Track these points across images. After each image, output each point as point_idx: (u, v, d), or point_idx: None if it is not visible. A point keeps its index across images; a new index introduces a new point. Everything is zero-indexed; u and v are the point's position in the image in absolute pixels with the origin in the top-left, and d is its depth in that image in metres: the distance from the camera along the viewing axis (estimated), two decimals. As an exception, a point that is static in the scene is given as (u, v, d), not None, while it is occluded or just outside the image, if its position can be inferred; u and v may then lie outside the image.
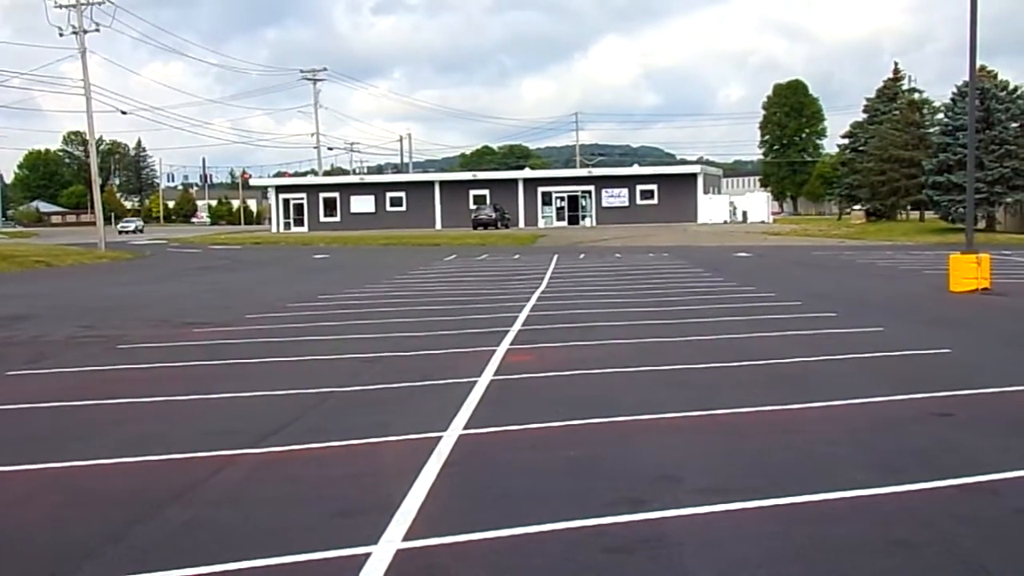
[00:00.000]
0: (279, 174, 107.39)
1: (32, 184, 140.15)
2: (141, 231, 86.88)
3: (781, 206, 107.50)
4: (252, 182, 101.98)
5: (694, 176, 74.22)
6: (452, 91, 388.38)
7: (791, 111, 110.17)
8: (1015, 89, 53.29)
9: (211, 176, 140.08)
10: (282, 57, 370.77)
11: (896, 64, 76.63)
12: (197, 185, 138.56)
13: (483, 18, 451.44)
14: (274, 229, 78.06)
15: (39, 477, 6.90)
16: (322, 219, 76.00)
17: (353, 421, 8.49)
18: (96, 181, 52.55)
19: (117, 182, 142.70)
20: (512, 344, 12.92)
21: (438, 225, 73.31)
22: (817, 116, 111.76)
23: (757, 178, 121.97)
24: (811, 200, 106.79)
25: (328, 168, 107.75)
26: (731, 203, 76.26)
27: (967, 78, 21.81)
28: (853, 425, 7.89)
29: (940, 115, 60.99)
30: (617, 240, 50.77)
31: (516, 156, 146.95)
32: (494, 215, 68.06)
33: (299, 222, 77.29)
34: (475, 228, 65.65)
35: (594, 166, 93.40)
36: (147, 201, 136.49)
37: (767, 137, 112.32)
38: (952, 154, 50.39)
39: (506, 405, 8.92)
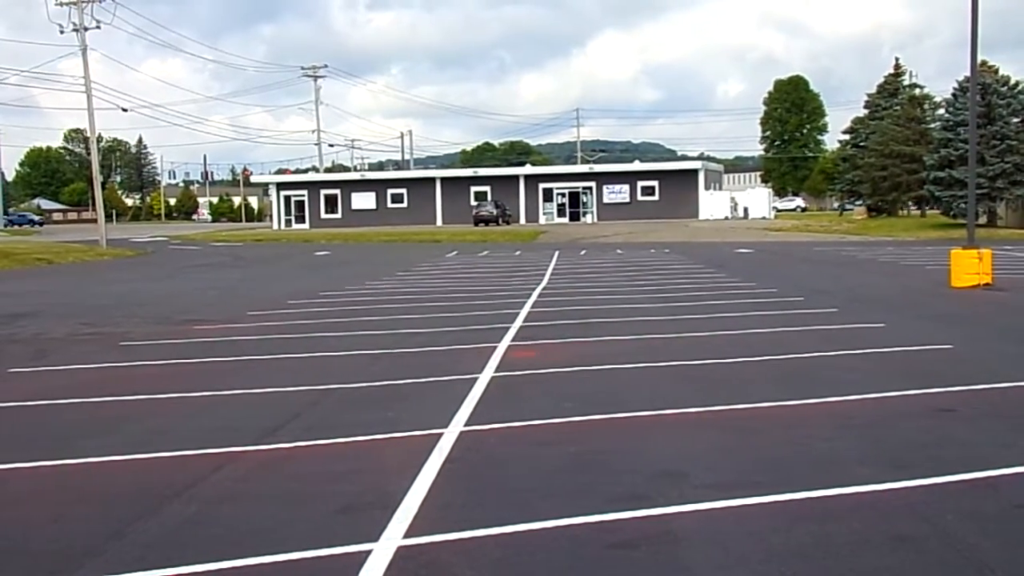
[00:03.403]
0: (280, 171, 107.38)
1: (33, 181, 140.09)
2: None
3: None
4: (253, 179, 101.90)
5: (695, 172, 74.13)
6: (451, 87, 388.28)
7: (792, 107, 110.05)
8: (1016, 84, 53.17)
9: (212, 173, 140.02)
10: (279, 53, 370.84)
11: (897, 60, 76.56)
12: (198, 182, 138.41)
13: (480, 13, 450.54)
14: (275, 226, 78.01)
15: (40, 474, 6.91)
16: (323, 216, 75.93)
17: (354, 418, 8.49)
18: (97, 178, 52.54)
19: (118, 179, 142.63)
20: (514, 340, 12.92)
21: (439, 222, 73.25)
22: (818, 112, 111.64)
23: (758, 174, 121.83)
24: (813, 196, 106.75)
25: (329, 165, 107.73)
26: (732, 199, 76.12)
27: (968, 73, 21.79)
28: (855, 421, 7.89)
29: (941, 110, 60.89)
30: (618, 236, 50.74)
31: (517, 152, 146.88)
32: (495, 211, 68.05)
33: (300, 219, 77.20)
34: (476, 224, 65.63)
35: (595, 162, 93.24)
36: (148, 198, 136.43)
37: (768, 133, 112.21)
38: (953, 149, 50.32)
39: (508, 401, 8.91)
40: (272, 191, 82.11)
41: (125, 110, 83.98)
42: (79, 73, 49.48)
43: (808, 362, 10.85)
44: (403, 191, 76.51)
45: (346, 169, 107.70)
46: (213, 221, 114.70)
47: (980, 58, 22.69)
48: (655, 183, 73.20)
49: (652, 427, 7.84)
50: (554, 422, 7.98)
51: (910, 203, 66.70)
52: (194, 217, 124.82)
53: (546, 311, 16.64)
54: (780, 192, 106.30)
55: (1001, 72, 55.97)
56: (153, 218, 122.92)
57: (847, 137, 75.37)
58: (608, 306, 17.32)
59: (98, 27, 48.52)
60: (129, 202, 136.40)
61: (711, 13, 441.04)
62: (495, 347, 12.19)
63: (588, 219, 72.86)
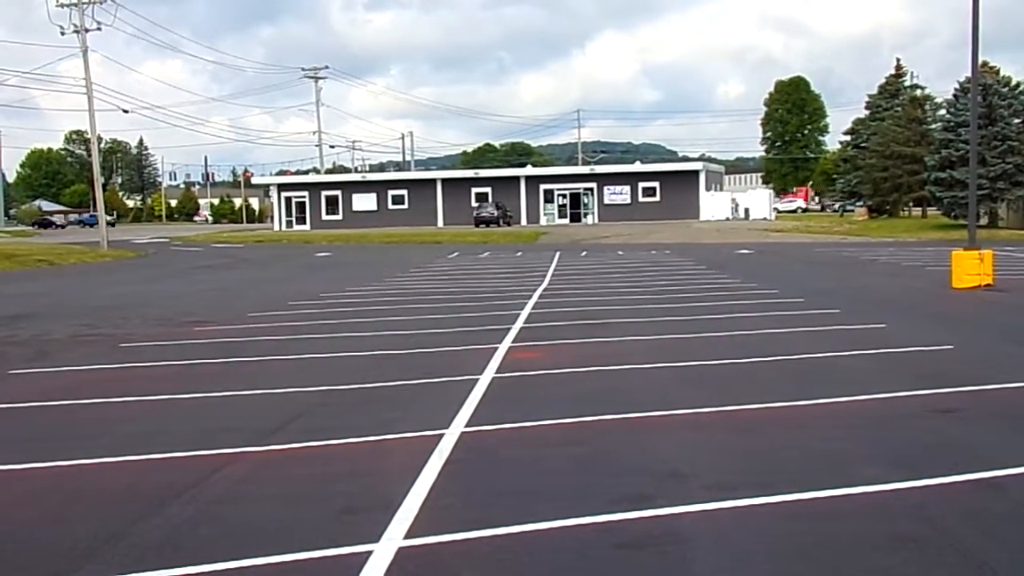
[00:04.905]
0: (281, 172, 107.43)
1: (35, 183, 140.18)
2: None
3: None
4: (254, 180, 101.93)
5: (696, 173, 74.13)
6: (450, 88, 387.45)
7: (793, 108, 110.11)
8: (1017, 85, 53.19)
9: (213, 175, 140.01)
10: (278, 54, 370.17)
11: (898, 60, 76.74)
12: (199, 183, 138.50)
13: (479, 14, 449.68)
14: (276, 227, 78.01)
15: (41, 475, 6.90)
16: (324, 217, 75.94)
17: (355, 419, 8.48)
18: (98, 180, 52.51)
19: (119, 181, 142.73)
20: (514, 341, 12.91)
21: (440, 223, 73.24)
22: (819, 112, 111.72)
23: (759, 175, 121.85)
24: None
25: (330, 166, 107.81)
26: (733, 200, 76.13)
27: (969, 73, 21.79)
28: (857, 421, 7.88)
29: (942, 111, 60.94)
30: (619, 237, 50.72)
31: (518, 154, 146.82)
32: (496, 213, 68.01)
33: (301, 220, 77.21)
34: (477, 226, 65.61)
35: (596, 163, 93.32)
36: (150, 200, 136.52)
37: (769, 134, 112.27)
38: (954, 150, 50.33)
39: (508, 402, 8.90)
40: (273, 192, 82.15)
41: (126, 111, 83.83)
42: (80, 74, 49.53)
43: (810, 363, 10.84)
44: (404, 192, 76.53)
45: (347, 170, 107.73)
46: (214, 222, 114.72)
47: (981, 59, 22.69)
48: (656, 184, 73.21)
49: (655, 428, 7.83)
50: (556, 423, 7.97)
51: (911, 204, 66.73)
52: (195, 219, 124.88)
53: (547, 312, 16.62)
54: (781, 193, 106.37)
55: (1002, 73, 56.04)
56: (154, 219, 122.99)
57: (848, 138, 75.47)
58: (609, 307, 17.31)
59: (99, 28, 48.52)
60: (130, 203, 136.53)
61: (710, 14, 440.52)
62: (496, 348, 12.18)
63: (589, 220, 72.86)
